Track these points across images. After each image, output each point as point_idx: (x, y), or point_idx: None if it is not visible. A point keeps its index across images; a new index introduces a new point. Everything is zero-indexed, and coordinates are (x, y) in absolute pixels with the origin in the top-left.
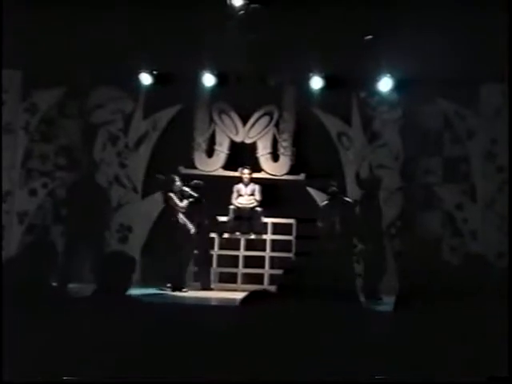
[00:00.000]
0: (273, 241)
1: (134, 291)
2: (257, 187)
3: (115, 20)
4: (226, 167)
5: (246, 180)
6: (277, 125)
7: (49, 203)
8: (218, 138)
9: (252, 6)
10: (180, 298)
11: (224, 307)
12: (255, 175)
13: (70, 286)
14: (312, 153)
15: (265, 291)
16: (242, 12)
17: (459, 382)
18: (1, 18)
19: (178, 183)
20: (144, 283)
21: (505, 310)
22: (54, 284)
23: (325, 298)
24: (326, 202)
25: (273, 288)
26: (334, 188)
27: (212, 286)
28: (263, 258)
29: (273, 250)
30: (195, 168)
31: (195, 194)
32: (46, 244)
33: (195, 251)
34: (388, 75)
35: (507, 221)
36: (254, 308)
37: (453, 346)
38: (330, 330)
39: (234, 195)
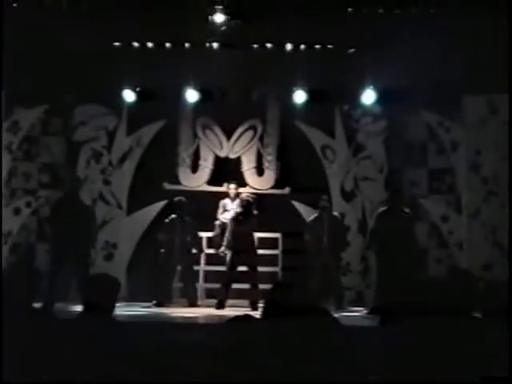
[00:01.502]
0: (259, 255)
1: (120, 310)
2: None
3: (98, 36)
4: (210, 182)
5: (232, 195)
6: (261, 139)
7: (33, 222)
8: (203, 153)
9: (234, 21)
10: (166, 316)
11: (210, 325)
12: (240, 190)
13: (56, 305)
14: (297, 166)
15: (248, 316)
16: (224, 28)
17: (459, 382)
18: None
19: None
20: (130, 300)
21: (491, 323)
22: (39, 305)
23: (308, 315)
24: (315, 215)
25: (257, 311)
26: (325, 202)
27: (199, 303)
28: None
29: (259, 264)
30: (180, 184)
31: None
32: (29, 265)
33: (179, 267)
34: (371, 87)
35: (492, 232)
36: (239, 329)
37: (439, 360)
38: (314, 350)
39: (220, 210)
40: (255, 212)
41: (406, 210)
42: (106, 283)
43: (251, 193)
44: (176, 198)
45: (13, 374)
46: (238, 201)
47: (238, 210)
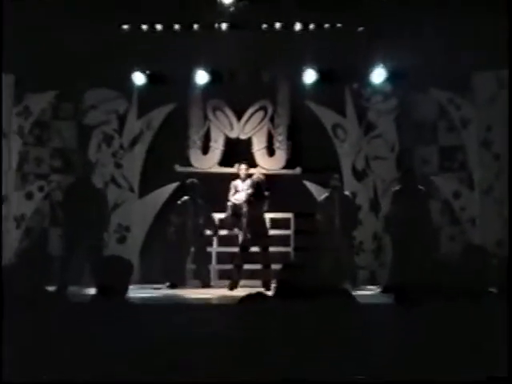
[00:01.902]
0: (271, 236)
1: (133, 292)
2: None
3: (107, 20)
4: (221, 164)
5: (243, 176)
6: (271, 119)
7: (46, 206)
8: (213, 134)
9: (242, 2)
10: (179, 298)
11: (223, 306)
12: (251, 170)
13: (70, 289)
14: (308, 146)
15: (260, 293)
16: (232, 9)
17: (459, 382)
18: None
19: None
20: (143, 282)
21: (504, 304)
22: (52, 289)
23: (321, 294)
24: (326, 195)
25: (270, 290)
26: (336, 181)
27: (212, 284)
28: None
29: (271, 244)
30: (191, 166)
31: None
32: (42, 249)
33: (192, 249)
34: (381, 66)
35: (506, 208)
36: (251, 309)
37: (453, 341)
38: (328, 328)
39: (232, 191)
40: (266, 193)
41: (421, 188)
42: (118, 265)
43: (262, 173)
44: (188, 180)
45: (25, 361)
46: (248, 181)
47: (249, 191)
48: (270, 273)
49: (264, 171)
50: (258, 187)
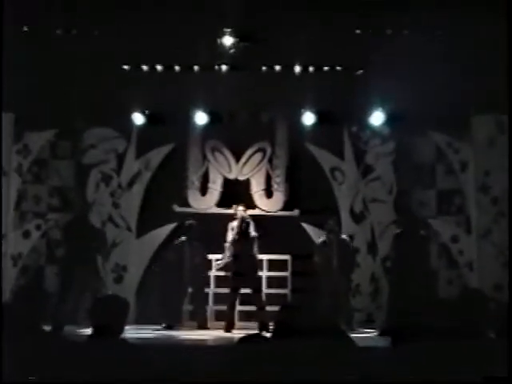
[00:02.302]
0: (268, 277)
1: (130, 332)
2: (251, 223)
3: (107, 59)
4: (220, 205)
5: (239, 217)
6: (270, 161)
7: (42, 244)
8: (212, 175)
9: (242, 43)
10: (176, 339)
11: (220, 347)
12: (249, 212)
13: (66, 328)
14: (306, 188)
15: (258, 335)
16: (232, 50)
17: (459, 382)
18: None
19: None
20: (140, 322)
21: (504, 344)
22: (48, 328)
23: (319, 336)
24: (323, 239)
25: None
26: (333, 225)
27: (208, 325)
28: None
29: (269, 286)
30: (189, 206)
31: None
32: (39, 287)
33: (189, 289)
34: (379, 109)
35: (504, 252)
36: (249, 350)
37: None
38: (325, 369)
39: (229, 233)
40: (254, 234)
41: (422, 233)
42: (115, 305)
43: (255, 215)
44: (187, 222)
45: None
46: (236, 222)
47: (235, 230)
48: (266, 314)
49: (262, 213)
50: (245, 227)
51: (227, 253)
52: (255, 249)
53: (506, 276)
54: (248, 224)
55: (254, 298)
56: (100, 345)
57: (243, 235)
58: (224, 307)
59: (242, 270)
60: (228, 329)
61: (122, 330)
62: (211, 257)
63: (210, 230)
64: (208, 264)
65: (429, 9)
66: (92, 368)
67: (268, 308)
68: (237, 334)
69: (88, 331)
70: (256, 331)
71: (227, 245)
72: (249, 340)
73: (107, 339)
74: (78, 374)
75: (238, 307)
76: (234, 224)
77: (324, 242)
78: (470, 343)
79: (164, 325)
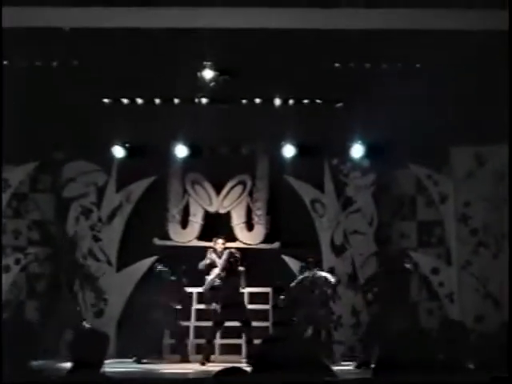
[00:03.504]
0: (250, 310)
1: (110, 366)
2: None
3: (87, 93)
4: (200, 238)
5: (219, 250)
6: (250, 194)
7: (22, 278)
8: (192, 208)
9: (222, 77)
10: (156, 372)
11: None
12: (231, 244)
13: (46, 363)
14: (286, 221)
15: (236, 368)
16: (212, 83)
17: (459, 382)
18: None
19: None
20: (121, 356)
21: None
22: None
23: (301, 369)
24: (301, 276)
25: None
26: (311, 260)
27: (190, 358)
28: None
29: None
30: (170, 239)
31: None
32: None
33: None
34: (359, 141)
35: (484, 283)
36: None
37: None
38: None
39: (206, 262)
40: (241, 268)
41: (408, 265)
42: (94, 339)
43: (237, 248)
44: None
45: None
46: (224, 256)
47: (222, 265)
48: (254, 347)
49: (243, 246)
50: (233, 261)
51: (207, 286)
52: (243, 282)
53: (486, 307)
54: (237, 259)
55: (242, 331)
56: (79, 379)
57: (232, 270)
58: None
59: (229, 302)
60: (204, 362)
61: (101, 364)
62: (192, 290)
63: (190, 262)
64: (187, 298)
65: (406, 43)
66: None
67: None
68: (217, 367)
69: (68, 365)
70: (235, 364)
71: (208, 278)
72: (227, 373)
73: (86, 373)
74: None
75: (221, 341)
76: (214, 257)
77: (303, 280)
78: (450, 375)
79: (134, 358)
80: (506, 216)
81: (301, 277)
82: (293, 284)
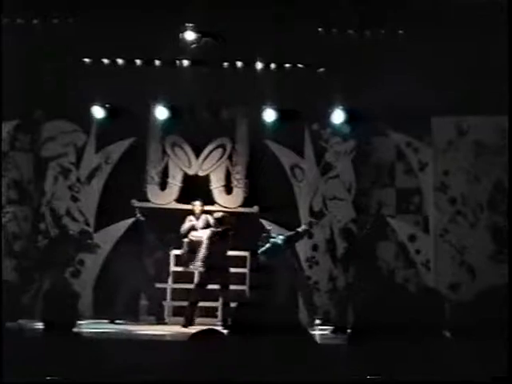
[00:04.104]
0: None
1: (86, 327)
2: (209, 217)
3: (67, 52)
4: (179, 200)
5: (197, 212)
6: (230, 157)
7: (0, 238)
8: (171, 170)
9: (204, 39)
10: (132, 334)
11: (175, 343)
12: (209, 208)
13: (21, 322)
14: (265, 185)
15: (213, 330)
16: (194, 45)
17: (459, 382)
18: None
19: None
20: (96, 317)
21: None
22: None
23: (277, 332)
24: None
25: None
26: (305, 227)
27: (166, 321)
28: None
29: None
30: (148, 201)
31: None
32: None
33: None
34: (340, 107)
35: (460, 252)
36: (203, 345)
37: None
38: (280, 366)
39: (185, 226)
40: (231, 232)
41: (368, 227)
42: (63, 297)
43: (219, 211)
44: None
45: None
46: (203, 218)
47: (217, 228)
48: (230, 311)
49: (221, 209)
50: (226, 227)
51: (185, 248)
52: (229, 245)
53: (461, 276)
54: (226, 222)
55: (221, 293)
56: (53, 339)
57: (223, 234)
58: (181, 303)
59: (216, 266)
60: (187, 324)
61: (73, 324)
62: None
63: (169, 225)
64: (166, 259)
65: (391, 7)
66: (46, 362)
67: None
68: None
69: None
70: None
71: (186, 240)
72: (203, 335)
73: (60, 333)
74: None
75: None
76: (192, 219)
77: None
78: (426, 341)
79: (109, 319)
80: (486, 186)
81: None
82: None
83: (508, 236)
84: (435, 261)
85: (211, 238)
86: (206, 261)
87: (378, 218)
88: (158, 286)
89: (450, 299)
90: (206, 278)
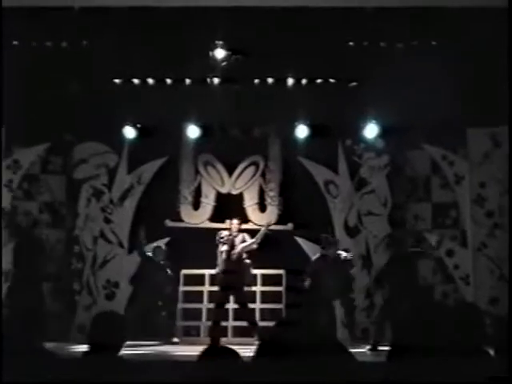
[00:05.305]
0: (262, 292)
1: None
2: (246, 235)
3: (98, 73)
4: (212, 219)
5: (234, 231)
6: (263, 175)
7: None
8: (204, 189)
9: (234, 56)
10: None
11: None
12: (243, 226)
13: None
14: (299, 202)
15: (225, 348)
16: (224, 63)
17: (459, 382)
18: None
19: None
20: (130, 338)
21: (498, 360)
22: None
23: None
24: (318, 255)
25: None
26: (328, 238)
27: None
28: (254, 310)
29: (263, 301)
30: (181, 221)
31: None
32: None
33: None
34: (373, 122)
35: (499, 265)
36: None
37: None
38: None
39: (224, 247)
40: (255, 246)
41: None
42: (113, 321)
43: (253, 229)
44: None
45: None
46: (240, 237)
47: (254, 245)
48: (256, 330)
49: (255, 227)
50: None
51: (220, 267)
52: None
53: (501, 289)
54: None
55: (242, 313)
56: (98, 362)
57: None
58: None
59: (233, 284)
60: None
61: (120, 347)
62: (205, 272)
63: (202, 244)
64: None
65: (422, 21)
66: None
67: (263, 323)
68: None
69: (82, 348)
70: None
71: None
72: (211, 354)
73: (105, 356)
74: None
75: (232, 323)
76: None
77: (321, 256)
78: (468, 359)
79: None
80: None
81: (318, 255)
82: (314, 258)
83: (508, 249)
84: (474, 275)
85: (227, 257)
86: (222, 280)
87: (414, 232)
88: (194, 306)
89: (490, 313)
90: (222, 297)
